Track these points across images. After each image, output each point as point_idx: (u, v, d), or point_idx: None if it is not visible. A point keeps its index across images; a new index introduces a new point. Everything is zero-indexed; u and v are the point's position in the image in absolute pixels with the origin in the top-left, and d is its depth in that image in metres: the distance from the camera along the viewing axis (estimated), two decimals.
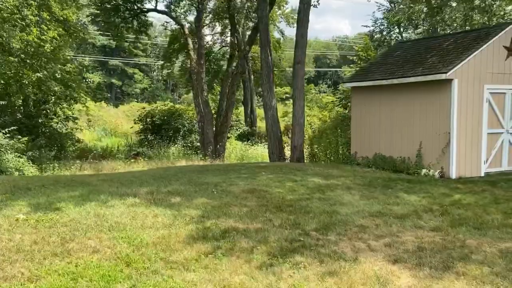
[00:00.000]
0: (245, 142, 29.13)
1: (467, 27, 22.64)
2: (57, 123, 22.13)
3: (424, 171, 11.83)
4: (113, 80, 58.86)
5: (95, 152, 22.36)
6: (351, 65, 32.20)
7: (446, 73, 11.15)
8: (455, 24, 25.54)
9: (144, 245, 5.63)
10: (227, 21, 27.69)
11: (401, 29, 30.73)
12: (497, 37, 11.93)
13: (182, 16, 26.75)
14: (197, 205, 7.56)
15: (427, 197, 8.66)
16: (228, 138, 25.85)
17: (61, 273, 4.78)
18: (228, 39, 29.17)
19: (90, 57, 50.43)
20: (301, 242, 5.81)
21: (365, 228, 6.49)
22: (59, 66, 19.11)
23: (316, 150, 18.01)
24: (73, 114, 23.04)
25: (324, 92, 50.08)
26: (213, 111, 24.22)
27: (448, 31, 24.21)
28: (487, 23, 22.21)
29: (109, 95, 57.16)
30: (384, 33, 30.56)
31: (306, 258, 5.19)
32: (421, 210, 7.61)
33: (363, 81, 13.98)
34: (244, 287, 4.52)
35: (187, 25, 24.96)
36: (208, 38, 29.34)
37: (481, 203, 8.18)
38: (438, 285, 4.37)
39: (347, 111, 22.18)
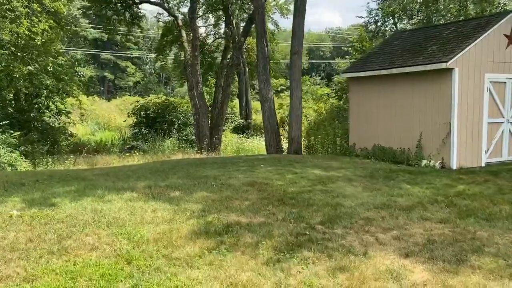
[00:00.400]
0: (241, 135, 28.90)
1: (461, 18, 22.49)
2: (50, 117, 21.77)
3: (424, 162, 11.70)
4: (106, 74, 58.22)
5: (89, 146, 22.06)
6: (346, 57, 32.03)
7: (446, 62, 10.98)
8: (449, 15, 25.40)
9: (145, 241, 5.41)
10: (220, 12, 27.34)
11: (396, 20, 30.53)
12: (497, 25, 11.77)
13: (175, 7, 26.39)
14: (197, 199, 7.35)
15: (430, 188, 8.51)
16: (224, 131, 25.60)
17: (58, 272, 4.55)
18: (222, 31, 28.86)
19: (82, 50, 49.77)
20: (307, 236, 5.62)
21: (371, 221, 6.32)
22: (50, 59, 18.73)
23: (313, 142, 17.83)
24: (65, 108, 22.67)
25: (318, 85, 49.89)
26: (208, 104, 23.93)
27: (443, 22, 24.05)
28: (480, 13, 22.08)
29: (101, 88, 56.63)
30: (379, 24, 30.34)
31: (314, 253, 5.01)
32: (426, 201, 7.45)
33: (361, 71, 13.78)
34: (252, 285, 4.33)
35: (180, 17, 24.58)
36: (201, 30, 28.99)
37: (486, 193, 8.05)
38: (454, 280, 4.20)
39: (342, 102, 22.06)
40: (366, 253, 4.99)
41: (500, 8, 22.89)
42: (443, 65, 11.06)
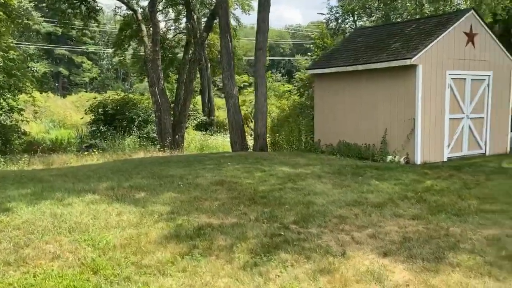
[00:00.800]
0: (204, 132, 28.47)
1: (417, 16, 23.03)
2: (1, 115, 20.54)
3: (389, 157, 11.83)
4: (60, 69, 55.92)
5: (44, 145, 21.01)
6: (308, 54, 32.14)
7: (411, 58, 11.13)
8: (406, 14, 26.04)
9: (111, 247, 5.06)
10: (181, 7, 26.77)
11: (356, 18, 30.98)
12: (457, 23, 12.04)
13: (134, 1, 25.58)
14: (164, 201, 7.04)
15: (399, 184, 8.57)
16: (186, 128, 25.10)
17: (16, 286, 4.15)
18: (182, 25, 28.29)
19: (34, 44, 47.52)
20: (282, 236, 5.45)
21: (345, 219, 6.24)
22: (0, 53, 17.63)
23: (278, 138, 17.76)
24: (18, 105, 21.47)
25: (279, 81, 50.05)
26: (170, 100, 23.35)
27: (400, 20, 24.59)
28: (435, 12, 22.74)
29: (56, 84, 54.40)
30: (339, 21, 30.70)
31: (291, 255, 4.84)
32: (396, 197, 7.47)
33: (326, 68, 13.78)
34: None
35: (140, 11, 23.82)
36: (161, 25, 28.26)
37: (453, 188, 8.17)
38: (435, 279, 4.14)
39: (304, 99, 22.14)
40: (344, 253, 4.87)
41: (453, 7, 23.62)
42: (408, 62, 11.20)
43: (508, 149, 13.71)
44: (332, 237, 5.49)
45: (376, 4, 27.81)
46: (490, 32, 12.88)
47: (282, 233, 5.59)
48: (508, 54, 13.37)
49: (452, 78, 12.03)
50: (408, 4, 25.85)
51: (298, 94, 23.70)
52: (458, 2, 25.12)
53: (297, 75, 27.98)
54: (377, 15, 28.67)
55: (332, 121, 13.76)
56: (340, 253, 4.88)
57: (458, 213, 6.43)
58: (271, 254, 4.87)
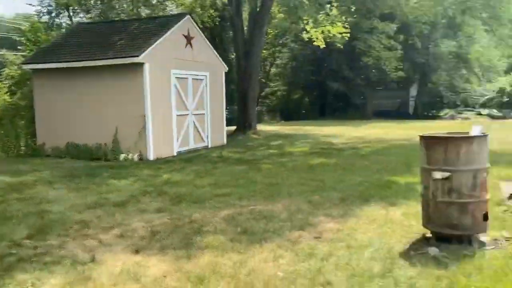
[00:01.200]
0: None
1: (134, 17, 23.68)
2: None
3: (123, 155, 11.75)
4: None
5: None
6: (19, 47, 28.55)
7: (138, 56, 11.29)
8: (123, 15, 26.42)
9: None
10: None
11: (71, 13, 29.40)
12: (177, 26, 12.91)
13: None
14: None
15: (137, 181, 8.60)
16: None
17: None
18: None
19: None
20: (15, 255, 4.62)
21: (88, 223, 5.79)
22: None
23: None
24: None
25: None
26: None
27: (118, 19, 24.75)
28: (151, 15, 23.92)
29: None
30: (53, 14, 28.56)
31: (31, 274, 4.13)
32: (137, 193, 7.45)
33: (47, 63, 12.53)
34: None
35: None
36: None
37: (187, 179, 8.73)
38: (189, 264, 4.27)
39: (17, 98, 19.61)
40: (94, 259, 4.50)
41: (167, 12, 25.33)
42: (135, 60, 11.32)
43: (225, 141, 15.65)
44: (77, 244, 5.00)
45: (92, 1, 27.12)
46: (204, 37, 14.34)
47: (14, 252, 4.74)
48: (220, 58, 15.22)
49: (176, 77, 12.82)
50: (124, 5, 26.26)
51: (9, 93, 20.80)
52: (171, 8, 27.18)
53: (6, 71, 24.50)
54: (95, 12, 27.97)
55: (57, 122, 12.63)
56: (89, 260, 4.49)
57: (196, 201, 6.89)
58: (3, 279, 4.05)
